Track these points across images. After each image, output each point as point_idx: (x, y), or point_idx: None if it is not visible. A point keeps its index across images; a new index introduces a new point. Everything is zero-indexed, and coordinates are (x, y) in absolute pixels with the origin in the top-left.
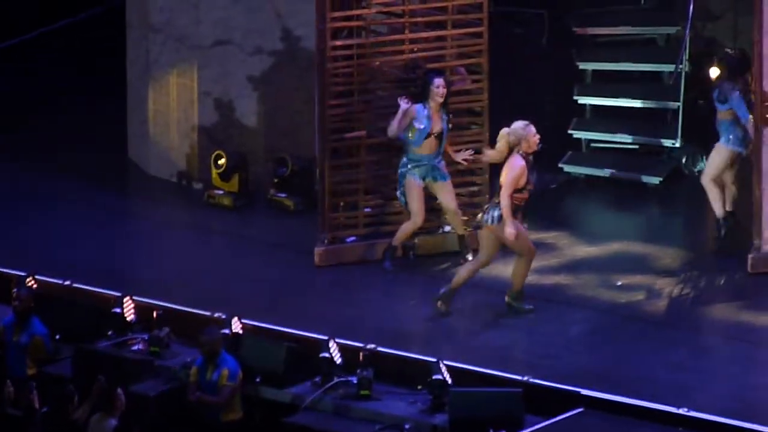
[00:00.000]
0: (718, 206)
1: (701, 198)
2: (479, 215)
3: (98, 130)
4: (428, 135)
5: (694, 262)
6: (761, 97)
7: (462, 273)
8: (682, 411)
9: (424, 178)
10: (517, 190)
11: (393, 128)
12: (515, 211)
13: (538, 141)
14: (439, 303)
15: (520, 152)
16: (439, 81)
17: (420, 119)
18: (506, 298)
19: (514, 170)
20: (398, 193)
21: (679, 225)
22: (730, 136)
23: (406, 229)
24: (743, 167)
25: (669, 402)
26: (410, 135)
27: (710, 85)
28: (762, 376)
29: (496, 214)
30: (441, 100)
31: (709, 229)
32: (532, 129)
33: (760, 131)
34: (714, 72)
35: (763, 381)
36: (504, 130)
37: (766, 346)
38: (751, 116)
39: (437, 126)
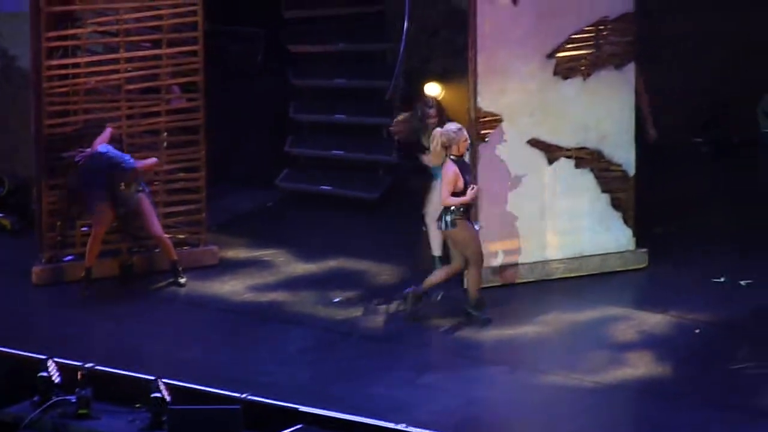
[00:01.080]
0: (436, 245)
1: (418, 214)
2: (436, 223)
3: None
4: None
5: (411, 278)
6: (476, 114)
7: (435, 276)
8: (401, 427)
9: None
10: (456, 194)
11: None
12: (465, 213)
13: (468, 145)
14: (408, 300)
15: (451, 156)
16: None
17: None
18: (467, 309)
19: (446, 176)
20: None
21: (397, 241)
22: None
23: (89, 246)
24: None
25: (389, 418)
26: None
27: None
28: (481, 390)
29: (448, 219)
30: None
31: (424, 250)
32: (464, 133)
33: (475, 148)
34: (432, 89)
35: (482, 395)
36: (437, 131)
37: (484, 361)
38: None
39: None
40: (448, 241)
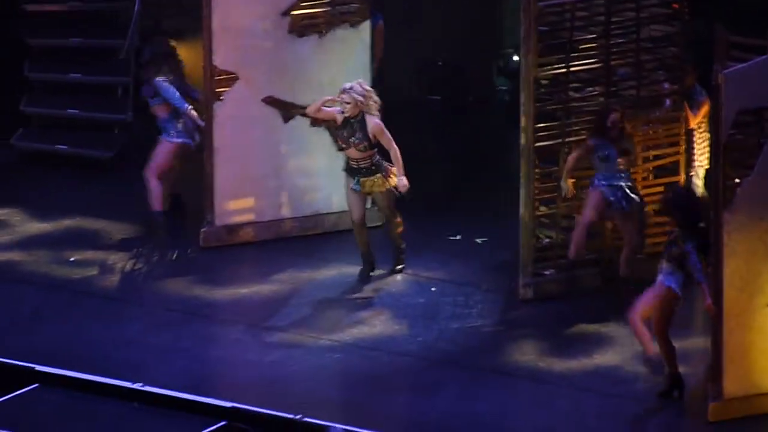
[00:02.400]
0: (157, 203)
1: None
2: None
3: None
4: None
5: (146, 237)
6: (211, 72)
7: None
8: (137, 386)
9: None
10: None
11: None
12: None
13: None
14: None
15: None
16: None
17: None
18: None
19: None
20: None
21: (131, 199)
22: (172, 130)
23: None
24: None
25: (125, 378)
26: None
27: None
28: (216, 349)
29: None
30: None
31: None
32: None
33: (210, 106)
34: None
35: (218, 354)
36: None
37: (220, 320)
38: (188, 105)
39: None
40: None
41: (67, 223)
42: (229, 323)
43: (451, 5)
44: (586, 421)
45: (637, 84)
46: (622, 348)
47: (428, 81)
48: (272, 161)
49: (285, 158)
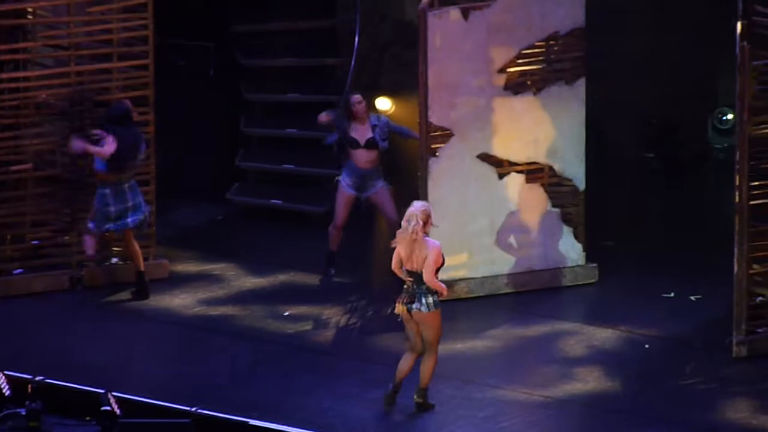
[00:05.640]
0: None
1: (364, 229)
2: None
3: None
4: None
5: (360, 291)
6: (427, 128)
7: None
8: None
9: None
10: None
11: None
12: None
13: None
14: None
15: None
16: (355, 97)
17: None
18: (415, 398)
19: (436, 253)
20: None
21: (346, 254)
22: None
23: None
24: None
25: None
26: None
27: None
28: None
29: (431, 300)
30: (363, 115)
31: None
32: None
33: (426, 162)
34: (383, 104)
35: (432, 410)
36: (416, 210)
37: (434, 376)
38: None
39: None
40: (409, 325)
41: (281, 277)
42: (443, 378)
43: (671, 64)
44: None
45: None
46: None
47: (644, 139)
48: (487, 217)
49: (500, 214)
